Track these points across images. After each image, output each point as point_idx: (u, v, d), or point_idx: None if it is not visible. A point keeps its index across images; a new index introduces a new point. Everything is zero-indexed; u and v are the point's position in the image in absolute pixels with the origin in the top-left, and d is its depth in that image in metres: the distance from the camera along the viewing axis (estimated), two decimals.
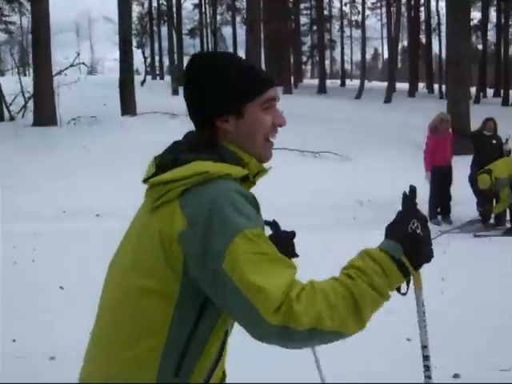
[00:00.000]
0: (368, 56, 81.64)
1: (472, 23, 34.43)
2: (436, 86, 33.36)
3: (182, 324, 1.10)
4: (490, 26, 33.85)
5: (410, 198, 1.21)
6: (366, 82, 31.80)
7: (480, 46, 34.30)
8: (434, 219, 7.78)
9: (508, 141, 7.77)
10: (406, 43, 49.01)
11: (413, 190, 1.21)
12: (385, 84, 29.05)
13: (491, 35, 35.32)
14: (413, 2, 34.96)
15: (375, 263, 1.06)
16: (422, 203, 7.87)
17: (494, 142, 7.80)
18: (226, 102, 1.19)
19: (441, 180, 7.78)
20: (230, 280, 1.00)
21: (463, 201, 8.07)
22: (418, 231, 1.11)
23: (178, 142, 1.24)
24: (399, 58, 63.16)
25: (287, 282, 1.01)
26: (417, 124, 12.31)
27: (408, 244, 1.09)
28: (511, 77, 30.01)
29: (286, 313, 0.98)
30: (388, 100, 24.53)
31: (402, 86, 34.64)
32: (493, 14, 35.09)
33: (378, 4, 47.93)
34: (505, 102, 26.76)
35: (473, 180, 7.57)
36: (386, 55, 52.97)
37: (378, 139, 13.37)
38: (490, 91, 33.50)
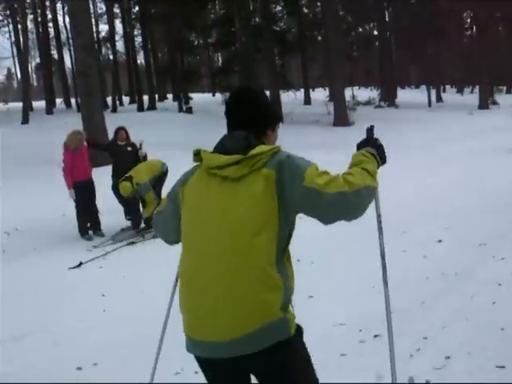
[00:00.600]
0: (1, 76, 76.61)
1: (101, 35, 35.87)
2: (73, 100, 33.21)
3: (282, 242, 1.75)
4: (118, 37, 35.76)
5: (371, 130, 2.13)
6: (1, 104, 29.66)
7: (112, 57, 35.79)
8: (86, 235, 7.64)
9: (142, 146, 8.10)
10: (38, 60, 47.51)
11: (371, 126, 2.15)
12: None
13: (120, 45, 37.38)
14: (40, 19, 34.03)
15: (370, 158, 1.95)
16: (71, 221, 7.76)
17: (129, 149, 8.02)
18: (275, 121, 2.03)
19: (84, 195, 7.65)
20: (312, 189, 1.68)
21: (110, 211, 8.09)
22: (381, 144, 2.07)
23: (228, 140, 1.85)
24: (34, 75, 61.15)
25: (338, 175, 1.77)
26: (57, 141, 11.94)
27: (379, 150, 2.02)
28: (142, 83, 32.20)
29: (342, 186, 1.71)
30: (25, 121, 23.34)
31: (40, 104, 33.44)
32: (119, 26, 37.11)
33: (5, 21, 44.79)
34: (140, 108, 28.54)
35: (116, 189, 7.69)
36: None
37: (21, 163, 12.58)
38: (126, 99, 35.29)
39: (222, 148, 1.82)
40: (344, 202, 1.71)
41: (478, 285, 4.47)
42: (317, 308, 4.22)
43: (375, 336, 3.69)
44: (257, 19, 25.02)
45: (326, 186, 1.69)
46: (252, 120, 1.90)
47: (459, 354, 3.30)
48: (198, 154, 1.90)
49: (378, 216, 2.26)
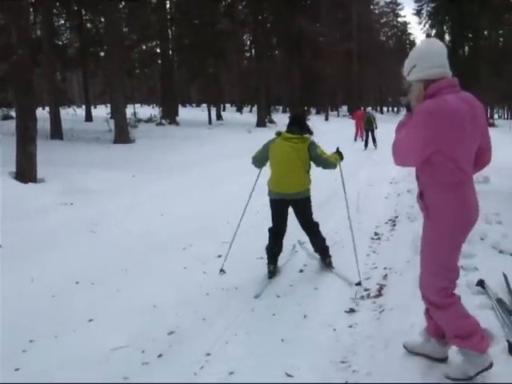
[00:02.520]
0: None
1: None
2: None
3: (307, 168, 5.25)
4: None
5: (338, 150, 5.58)
6: None
7: None
8: None
9: None
10: None
11: (337, 148, 5.62)
12: None
13: None
14: None
15: (338, 155, 5.49)
16: None
17: None
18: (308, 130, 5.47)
19: None
20: (318, 154, 5.16)
21: None
22: (341, 152, 5.57)
23: (293, 129, 5.24)
24: None
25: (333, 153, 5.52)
26: None
27: (340, 154, 5.51)
28: None
29: (329, 156, 5.31)
30: None
31: None
32: None
33: None
34: None
35: None
36: None
37: None
38: None
39: (290, 131, 5.22)
40: (327, 162, 5.22)
41: (258, 298, 4.68)
42: (97, 332, 4.07)
43: (159, 356, 3.61)
44: (38, 32, 23.46)
45: (323, 155, 5.19)
46: (301, 125, 5.33)
47: (243, 368, 3.39)
48: (279, 134, 5.27)
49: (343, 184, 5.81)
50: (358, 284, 4.85)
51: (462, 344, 2.88)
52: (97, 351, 3.70)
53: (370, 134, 20.25)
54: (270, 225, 5.46)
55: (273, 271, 5.28)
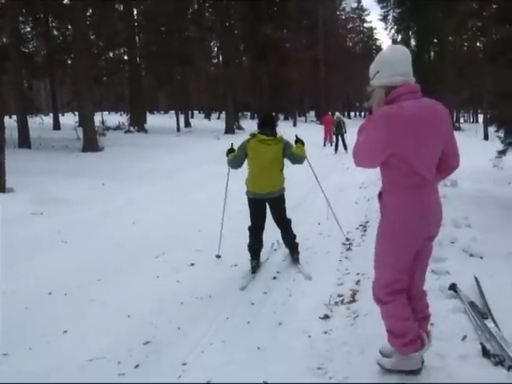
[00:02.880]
0: None
1: None
2: None
3: (282, 166, 5.73)
4: None
5: (297, 136, 6.00)
6: None
7: None
8: None
9: None
10: None
11: (296, 135, 6.06)
12: None
13: None
14: None
15: (301, 144, 5.91)
16: None
17: None
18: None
19: None
20: (292, 152, 5.67)
21: None
22: (301, 139, 6.01)
23: (267, 131, 5.61)
24: None
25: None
26: None
27: (302, 141, 5.94)
28: None
29: (301, 152, 5.80)
30: None
31: None
32: None
33: None
34: None
35: None
36: None
37: None
38: None
39: (263, 133, 5.56)
40: (300, 158, 5.71)
41: (231, 306, 4.70)
42: (72, 343, 4.04)
43: (136, 366, 3.60)
44: (4, 39, 23.09)
45: (295, 152, 5.66)
46: (273, 125, 5.73)
47: (220, 377, 3.41)
48: (254, 135, 5.61)
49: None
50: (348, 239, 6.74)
51: (390, 341, 3.09)
52: (72, 363, 3.68)
53: (339, 138, 20.66)
54: (249, 224, 5.76)
55: (255, 266, 5.67)
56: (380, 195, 3.07)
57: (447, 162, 3.01)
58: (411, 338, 2.98)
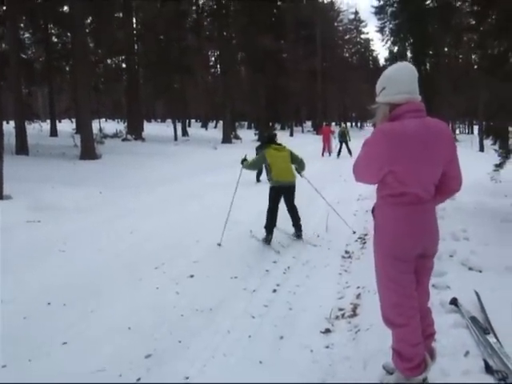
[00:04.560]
0: None
1: None
2: None
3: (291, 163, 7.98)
4: None
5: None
6: None
7: None
8: None
9: None
10: None
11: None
12: None
13: None
14: None
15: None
16: None
17: None
18: None
19: None
20: (296, 156, 8.04)
21: None
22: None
23: (275, 143, 7.98)
24: None
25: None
26: None
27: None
28: None
29: (301, 159, 8.02)
30: None
31: None
32: None
33: None
34: None
35: None
36: None
37: None
38: None
39: (274, 144, 7.88)
40: (302, 162, 7.99)
41: (232, 319, 4.67)
42: (72, 355, 4.01)
43: (138, 380, 3.59)
44: (3, 45, 23.14)
45: (299, 158, 7.96)
46: (275, 140, 8.06)
47: None
48: (267, 146, 7.85)
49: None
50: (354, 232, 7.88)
51: (395, 362, 3.07)
52: (73, 375, 3.65)
53: (343, 145, 22.82)
54: (265, 211, 7.66)
55: (270, 239, 7.44)
56: (373, 210, 3.09)
57: (448, 185, 3.01)
58: (417, 363, 2.97)
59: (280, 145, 7.89)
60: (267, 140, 8.07)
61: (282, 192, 7.64)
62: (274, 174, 7.60)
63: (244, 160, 8.06)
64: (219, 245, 7.19)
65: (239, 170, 8.21)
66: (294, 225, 7.74)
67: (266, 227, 7.51)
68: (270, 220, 7.52)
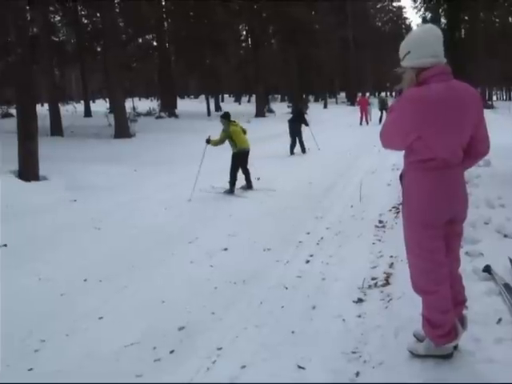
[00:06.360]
0: None
1: None
2: None
3: None
4: None
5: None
6: None
7: None
8: None
9: None
10: None
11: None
12: None
13: None
14: None
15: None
16: None
17: None
18: None
19: None
20: None
21: None
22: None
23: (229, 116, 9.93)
24: None
25: None
26: None
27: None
28: None
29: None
30: None
31: None
32: None
33: None
34: None
35: None
36: None
37: None
38: None
39: (232, 121, 9.94)
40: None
41: (265, 290, 4.67)
42: (108, 329, 4.08)
43: (171, 352, 3.63)
44: (35, 29, 23.46)
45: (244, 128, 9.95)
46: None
47: (254, 361, 3.39)
48: (229, 122, 9.80)
49: None
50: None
51: (425, 329, 3.02)
52: (109, 349, 3.72)
53: (383, 112, 24.14)
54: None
55: (233, 191, 9.35)
56: (401, 176, 3.02)
57: (476, 148, 2.91)
58: (447, 331, 2.92)
59: (234, 121, 9.86)
60: (227, 119, 9.80)
61: (243, 155, 9.63)
62: (238, 142, 9.60)
63: (208, 141, 9.74)
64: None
65: (204, 147, 9.79)
66: (246, 179, 9.76)
67: (230, 182, 9.43)
68: (234, 177, 9.50)
